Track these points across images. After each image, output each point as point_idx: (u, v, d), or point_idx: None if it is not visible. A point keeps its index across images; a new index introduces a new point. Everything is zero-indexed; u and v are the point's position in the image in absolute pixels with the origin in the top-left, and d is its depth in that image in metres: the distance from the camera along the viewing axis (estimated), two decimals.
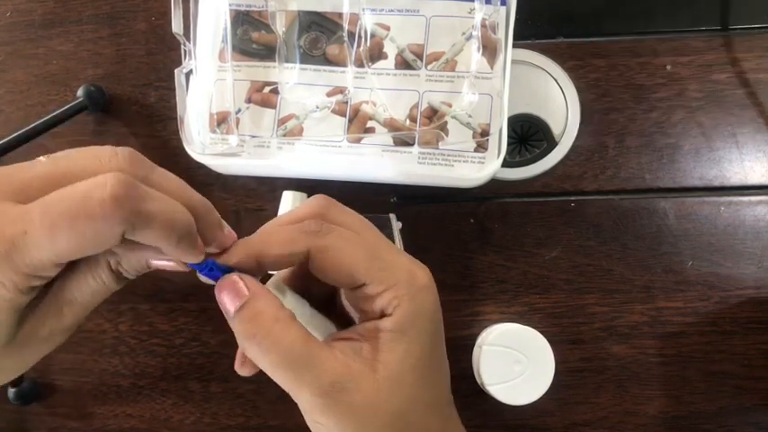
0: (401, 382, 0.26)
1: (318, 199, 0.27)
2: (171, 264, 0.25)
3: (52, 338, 0.25)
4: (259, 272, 0.26)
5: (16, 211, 0.21)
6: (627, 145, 0.44)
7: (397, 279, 0.26)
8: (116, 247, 0.23)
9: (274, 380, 0.25)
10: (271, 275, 0.29)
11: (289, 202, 0.42)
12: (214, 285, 0.26)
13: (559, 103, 0.44)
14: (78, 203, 0.21)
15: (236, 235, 0.27)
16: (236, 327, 0.25)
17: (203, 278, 0.26)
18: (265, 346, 0.24)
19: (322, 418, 0.25)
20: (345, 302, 0.29)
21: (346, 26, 0.42)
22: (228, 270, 0.25)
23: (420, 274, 0.27)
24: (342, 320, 0.28)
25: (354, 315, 0.29)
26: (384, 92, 0.41)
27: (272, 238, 0.26)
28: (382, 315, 0.26)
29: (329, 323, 0.28)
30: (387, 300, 0.26)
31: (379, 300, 0.26)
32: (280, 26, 0.42)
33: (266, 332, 0.24)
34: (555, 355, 0.39)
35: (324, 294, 0.29)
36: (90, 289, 0.25)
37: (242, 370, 0.28)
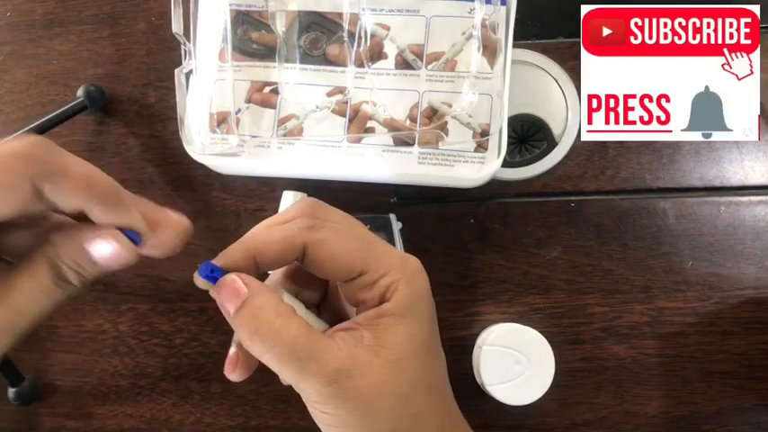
0: (405, 365, 0.26)
1: (305, 200, 0.28)
2: (111, 247, 0.24)
3: None
4: (255, 272, 0.26)
5: None
6: (627, 145, 0.44)
7: (392, 265, 0.27)
8: (50, 234, 0.24)
9: (279, 373, 0.25)
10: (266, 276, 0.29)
11: (289, 202, 0.42)
12: (209, 291, 0.26)
13: (559, 103, 0.44)
14: None
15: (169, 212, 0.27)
16: (238, 325, 0.25)
17: (200, 282, 0.26)
18: (269, 340, 0.25)
19: (329, 407, 0.25)
20: (342, 297, 0.29)
21: (346, 26, 0.42)
22: (225, 272, 0.25)
23: (411, 259, 0.28)
24: (333, 323, 0.29)
25: (350, 312, 0.29)
26: (384, 92, 0.41)
27: (267, 236, 0.26)
28: (381, 301, 0.27)
29: (323, 323, 0.28)
30: (385, 285, 0.27)
31: (377, 286, 0.27)
32: (280, 26, 0.42)
33: (269, 327, 0.25)
34: (555, 355, 0.39)
35: (313, 300, 0.30)
36: (28, 293, 0.24)
37: (233, 375, 0.28)
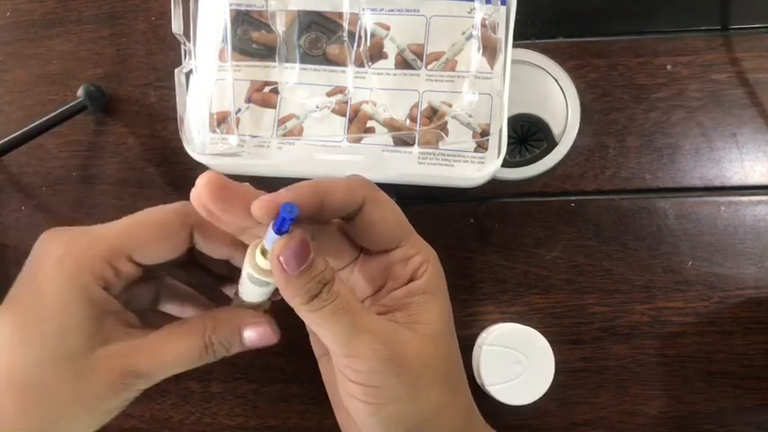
0: (440, 340, 0.27)
1: (355, 175, 0.29)
2: (262, 331, 0.29)
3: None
4: (317, 216, 0.26)
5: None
6: (627, 145, 0.44)
7: (422, 245, 0.29)
8: (214, 311, 0.29)
9: (328, 335, 0.25)
10: None
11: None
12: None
13: (559, 103, 0.44)
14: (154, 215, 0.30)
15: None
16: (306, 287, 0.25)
17: (260, 214, 0.24)
18: (341, 310, 0.25)
19: (380, 378, 0.25)
20: (361, 276, 0.30)
21: (346, 26, 0.42)
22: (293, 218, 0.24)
23: (427, 243, 0.29)
24: None
25: (360, 293, 0.30)
26: (384, 92, 0.41)
27: (334, 182, 0.27)
28: (411, 279, 0.28)
29: None
30: (417, 263, 0.28)
31: (410, 263, 0.28)
32: (280, 26, 0.42)
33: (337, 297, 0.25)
34: (555, 355, 0.39)
35: None
36: (178, 355, 0.28)
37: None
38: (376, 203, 0.27)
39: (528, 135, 0.44)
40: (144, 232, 0.28)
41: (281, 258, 0.24)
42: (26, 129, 0.43)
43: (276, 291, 0.28)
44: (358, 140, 0.41)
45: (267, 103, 0.42)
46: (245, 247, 0.27)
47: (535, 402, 0.39)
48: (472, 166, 0.40)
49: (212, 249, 0.30)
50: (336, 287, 0.25)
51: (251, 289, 0.28)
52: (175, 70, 0.41)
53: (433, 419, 0.27)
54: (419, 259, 0.28)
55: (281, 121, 0.42)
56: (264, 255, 0.26)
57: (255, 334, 0.29)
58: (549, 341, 0.39)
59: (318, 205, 0.26)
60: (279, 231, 0.24)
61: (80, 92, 0.46)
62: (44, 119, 0.44)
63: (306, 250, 0.24)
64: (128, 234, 0.28)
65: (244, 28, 0.43)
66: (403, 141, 0.41)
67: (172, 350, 0.28)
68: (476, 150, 0.40)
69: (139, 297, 0.31)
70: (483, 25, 0.40)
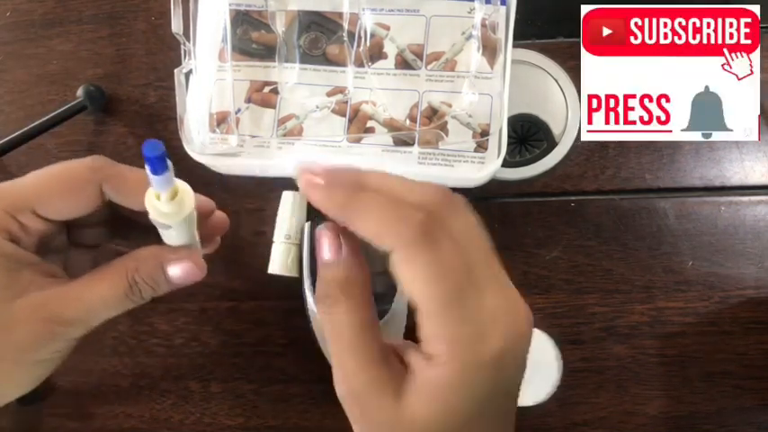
0: None
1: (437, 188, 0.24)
2: (187, 268, 0.28)
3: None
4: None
5: None
6: (627, 145, 0.44)
7: (459, 333, 0.22)
8: (133, 252, 0.28)
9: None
10: None
11: (289, 202, 0.42)
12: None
13: (559, 103, 0.44)
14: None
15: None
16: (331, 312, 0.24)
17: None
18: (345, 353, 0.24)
19: (347, 411, 0.24)
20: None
21: (346, 26, 0.42)
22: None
23: (493, 340, 0.22)
24: None
25: None
26: (384, 92, 0.41)
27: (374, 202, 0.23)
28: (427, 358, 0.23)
29: None
30: (430, 352, 0.23)
31: (426, 344, 0.23)
32: (280, 26, 0.42)
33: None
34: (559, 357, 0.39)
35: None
36: (105, 299, 0.28)
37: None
38: (407, 261, 0.22)
39: (528, 135, 0.44)
40: (47, 186, 0.28)
41: (319, 239, 0.25)
42: (26, 129, 0.43)
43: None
44: (358, 140, 0.41)
45: (267, 103, 0.42)
46: None
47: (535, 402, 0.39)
48: (472, 166, 0.40)
49: (128, 202, 0.29)
50: (344, 302, 0.24)
51: (164, 233, 0.29)
52: (175, 70, 0.41)
53: None
54: (439, 348, 0.22)
55: (281, 121, 0.42)
56: (159, 198, 0.26)
57: (180, 270, 0.29)
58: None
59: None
60: (155, 172, 0.24)
61: (80, 92, 0.45)
62: (44, 119, 0.44)
63: (333, 244, 0.24)
64: (32, 188, 0.28)
65: (243, 28, 0.43)
66: (403, 141, 0.41)
67: (95, 293, 0.28)
68: (476, 150, 0.40)
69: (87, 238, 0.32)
70: (483, 25, 0.40)
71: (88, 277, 0.28)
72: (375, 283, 0.26)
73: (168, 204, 0.26)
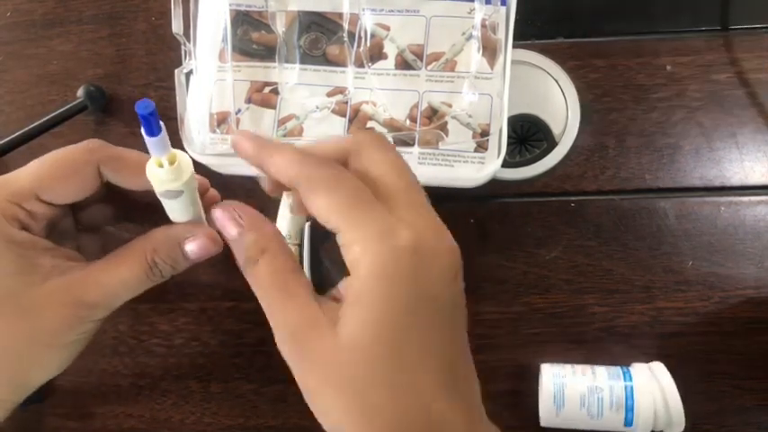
0: (362, 356, 0.23)
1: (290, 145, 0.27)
2: (203, 243, 0.29)
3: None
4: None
5: None
6: (627, 145, 0.44)
7: (370, 232, 0.23)
8: (149, 232, 0.29)
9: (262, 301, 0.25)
10: None
11: (289, 202, 0.42)
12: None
13: (559, 103, 0.44)
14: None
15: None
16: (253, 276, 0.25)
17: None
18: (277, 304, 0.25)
19: (288, 359, 0.25)
20: None
21: (346, 26, 0.42)
22: None
23: (404, 233, 0.23)
24: None
25: None
26: (384, 92, 0.41)
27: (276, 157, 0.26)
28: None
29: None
30: (352, 255, 0.23)
31: (348, 252, 0.24)
32: (280, 26, 0.42)
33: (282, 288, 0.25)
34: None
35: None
36: (125, 281, 0.29)
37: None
38: (309, 191, 0.24)
39: (528, 135, 0.44)
40: (48, 172, 0.29)
41: (218, 223, 0.26)
42: (26, 129, 0.43)
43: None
44: None
45: (267, 104, 0.42)
46: None
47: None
48: (472, 167, 0.40)
49: (126, 182, 0.30)
50: (269, 258, 0.25)
51: (169, 207, 0.29)
52: (175, 70, 0.41)
53: None
54: (354, 252, 0.23)
55: (281, 122, 0.42)
56: (161, 165, 0.26)
57: (196, 246, 0.29)
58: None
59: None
60: (150, 134, 0.24)
61: (80, 92, 0.46)
62: (44, 119, 0.44)
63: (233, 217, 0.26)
64: (33, 176, 0.29)
65: (244, 28, 0.43)
66: (403, 142, 0.41)
67: (116, 277, 0.29)
68: (476, 150, 0.40)
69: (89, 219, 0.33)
70: (483, 26, 0.40)
71: (107, 260, 0.29)
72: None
73: (169, 171, 0.26)
